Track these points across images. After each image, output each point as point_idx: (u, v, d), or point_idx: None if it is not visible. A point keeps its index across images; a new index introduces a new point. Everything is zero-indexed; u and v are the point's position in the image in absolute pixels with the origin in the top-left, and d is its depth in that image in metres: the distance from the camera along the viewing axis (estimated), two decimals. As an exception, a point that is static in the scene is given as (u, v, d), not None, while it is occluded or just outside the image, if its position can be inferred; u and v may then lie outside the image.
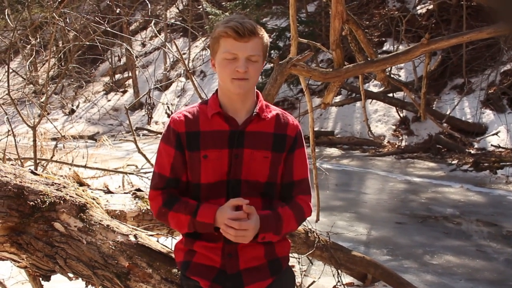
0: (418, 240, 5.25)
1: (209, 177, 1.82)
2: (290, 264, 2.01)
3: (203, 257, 1.85)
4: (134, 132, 5.89)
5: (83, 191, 2.39)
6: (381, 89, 11.70)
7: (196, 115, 1.84)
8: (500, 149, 9.26)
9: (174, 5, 21.63)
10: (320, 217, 4.90)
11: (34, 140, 4.89)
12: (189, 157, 1.83)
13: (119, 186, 4.92)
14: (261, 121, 1.84)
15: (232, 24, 1.71)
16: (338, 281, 3.40)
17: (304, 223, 3.43)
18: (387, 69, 9.48)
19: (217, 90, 1.88)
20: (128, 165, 6.28)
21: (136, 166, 6.16)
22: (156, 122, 16.56)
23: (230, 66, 1.74)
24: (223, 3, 13.79)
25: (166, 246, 2.25)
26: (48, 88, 6.41)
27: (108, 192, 2.75)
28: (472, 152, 9.52)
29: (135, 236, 2.19)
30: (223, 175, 1.82)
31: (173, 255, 2.16)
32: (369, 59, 4.20)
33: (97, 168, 5.60)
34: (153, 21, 7.21)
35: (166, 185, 1.86)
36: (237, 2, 12.64)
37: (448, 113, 10.57)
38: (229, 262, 1.83)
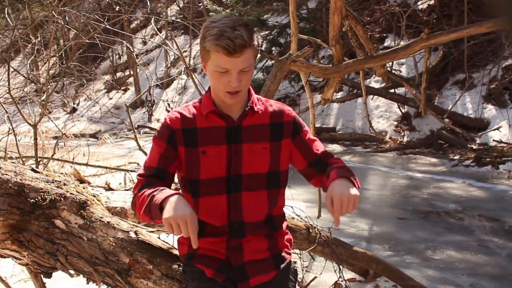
0: (420, 236, 5.24)
1: (208, 173, 1.82)
2: (292, 260, 2.01)
3: (208, 251, 1.87)
4: (135, 129, 5.89)
5: (83, 188, 2.39)
6: (383, 85, 11.68)
7: (191, 113, 1.85)
8: (502, 144, 9.23)
9: (175, 3, 21.63)
10: (321, 213, 4.90)
11: (35, 139, 4.90)
12: (186, 153, 1.82)
13: (120, 184, 4.92)
14: (256, 114, 1.86)
15: (223, 43, 1.65)
16: (340, 277, 3.40)
17: (305, 219, 3.45)
18: (388, 65, 9.46)
19: (209, 87, 1.88)
20: (129, 162, 6.29)
21: (138, 164, 6.16)
22: (158, 120, 16.56)
23: (223, 79, 1.72)
24: (223, 0, 13.74)
25: (167, 243, 2.25)
26: (49, 86, 6.42)
27: (109, 189, 2.76)
28: (474, 147, 9.50)
29: (135, 232, 2.19)
30: (222, 171, 1.82)
31: (173, 251, 2.17)
32: (369, 54, 4.19)
33: (98, 166, 5.61)
34: (153, 19, 7.18)
35: (150, 174, 1.83)
36: (238, -1, 12.61)
37: (449, 108, 10.55)
38: (233, 255, 1.85)
